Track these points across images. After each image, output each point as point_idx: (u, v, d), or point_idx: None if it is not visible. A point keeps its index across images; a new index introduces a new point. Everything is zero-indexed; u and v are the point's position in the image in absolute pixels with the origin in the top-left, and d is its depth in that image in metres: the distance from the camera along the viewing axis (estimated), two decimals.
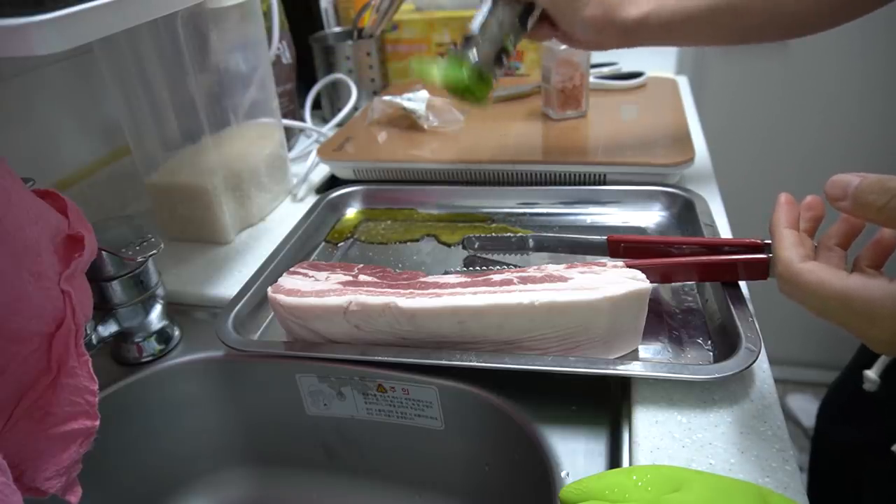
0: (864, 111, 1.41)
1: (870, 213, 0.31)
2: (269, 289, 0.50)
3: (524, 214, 0.70)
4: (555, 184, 0.71)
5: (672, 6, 0.58)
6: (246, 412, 0.56)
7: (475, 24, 0.61)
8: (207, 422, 0.56)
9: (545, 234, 0.61)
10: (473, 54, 0.61)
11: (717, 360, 0.46)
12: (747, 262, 0.48)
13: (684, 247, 0.53)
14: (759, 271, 0.47)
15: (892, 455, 0.58)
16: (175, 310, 0.58)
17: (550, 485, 0.41)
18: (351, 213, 0.74)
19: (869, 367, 0.63)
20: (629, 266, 0.47)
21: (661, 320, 0.51)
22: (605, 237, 0.56)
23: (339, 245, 0.68)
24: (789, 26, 0.59)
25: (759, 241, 0.50)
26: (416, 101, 0.82)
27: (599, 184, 0.70)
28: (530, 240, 0.61)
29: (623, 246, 0.55)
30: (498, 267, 0.61)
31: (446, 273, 0.56)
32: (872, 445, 0.65)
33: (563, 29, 0.62)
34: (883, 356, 0.61)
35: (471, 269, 0.61)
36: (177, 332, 0.56)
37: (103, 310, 0.50)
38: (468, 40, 0.61)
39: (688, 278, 0.51)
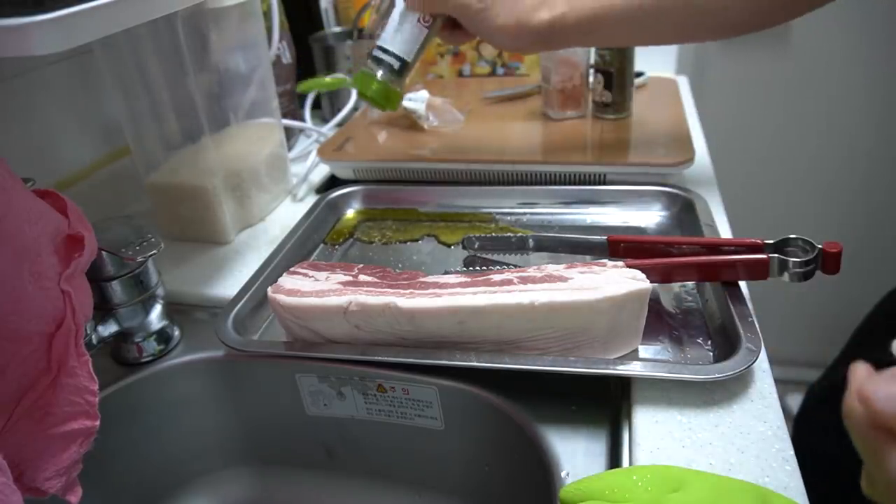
0: (863, 111, 1.41)
1: None
2: (269, 289, 0.50)
3: (524, 214, 0.70)
4: (555, 184, 0.71)
5: (588, 6, 0.57)
6: (246, 412, 0.56)
7: (384, 41, 0.63)
8: (207, 422, 0.56)
9: (545, 234, 0.61)
10: (381, 73, 0.63)
11: (717, 360, 0.46)
12: (747, 262, 0.48)
13: (684, 247, 0.53)
14: (759, 271, 0.48)
15: None
16: (175, 310, 0.58)
17: (550, 485, 0.41)
18: (351, 213, 0.74)
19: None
20: (629, 266, 0.47)
21: (661, 320, 0.51)
22: (605, 237, 0.56)
23: (339, 245, 0.68)
24: (713, 27, 0.58)
25: (759, 241, 0.50)
26: (416, 101, 0.82)
27: (599, 184, 0.70)
28: (530, 240, 0.61)
29: (623, 246, 0.55)
30: (498, 267, 0.61)
31: (446, 273, 0.56)
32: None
33: (480, 38, 0.61)
34: None
35: (471, 269, 0.61)
36: (177, 332, 0.56)
37: (103, 310, 0.50)
38: (375, 59, 0.63)
39: (688, 278, 0.51)
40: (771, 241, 0.50)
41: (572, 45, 0.61)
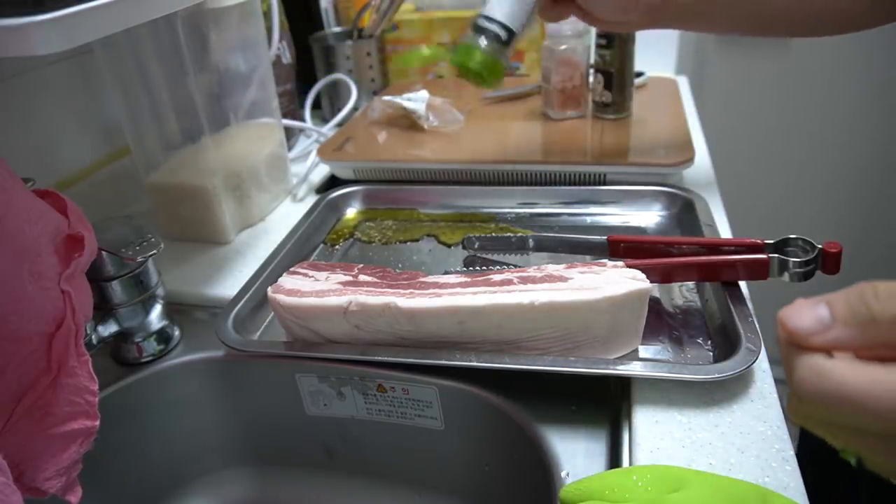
0: (863, 111, 1.42)
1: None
2: (269, 289, 0.50)
3: (524, 214, 0.70)
4: (555, 184, 0.71)
5: None
6: (246, 412, 0.56)
7: (489, 9, 0.59)
8: (207, 422, 0.56)
9: (545, 234, 0.61)
10: (485, 43, 0.59)
11: (717, 360, 0.46)
12: (747, 262, 0.48)
13: (684, 247, 0.53)
14: (759, 271, 0.47)
15: None
16: (175, 310, 0.58)
17: (550, 485, 0.41)
18: (351, 213, 0.74)
19: None
20: (629, 266, 0.47)
21: (661, 320, 0.51)
22: (605, 237, 0.56)
23: (339, 245, 0.68)
24: (815, 24, 0.56)
25: (759, 241, 0.50)
26: (416, 101, 0.82)
27: (599, 184, 0.70)
28: (530, 240, 0.61)
29: (623, 246, 0.55)
30: (498, 267, 0.61)
31: (446, 273, 0.56)
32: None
33: (586, 6, 0.57)
34: None
35: (471, 269, 0.61)
36: (177, 332, 0.56)
37: (103, 310, 0.50)
38: (478, 28, 0.59)
39: (688, 278, 0.51)
40: (771, 241, 0.50)
41: (680, 25, 0.58)
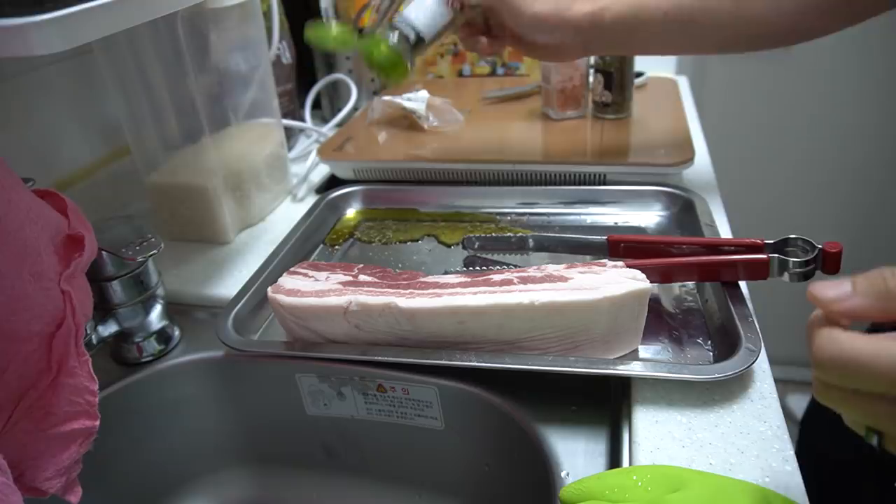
0: (863, 112, 1.41)
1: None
2: (269, 289, 0.50)
3: (524, 214, 0.70)
4: (555, 184, 0.71)
5: (629, 2, 0.55)
6: (246, 412, 0.56)
7: (407, 12, 0.62)
8: (207, 422, 0.56)
9: (545, 234, 0.61)
10: (394, 40, 0.62)
11: (717, 360, 0.46)
12: (747, 262, 0.48)
13: (684, 247, 0.53)
14: (760, 271, 0.47)
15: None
16: (175, 310, 0.58)
17: (550, 485, 0.41)
18: (351, 213, 0.74)
19: None
20: (629, 266, 0.47)
21: (661, 320, 0.51)
22: (605, 237, 0.56)
23: (339, 245, 0.68)
24: (756, 37, 0.56)
25: (759, 242, 0.50)
26: (416, 101, 0.82)
27: (599, 184, 0.70)
28: (530, 240, 0.61)
29: (623, 246, 0.55)
30: (498, 267, 0.61)
31: (446, 273, 0.56)
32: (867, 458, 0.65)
33: (512, 28, 0.58)
34: None
35: (471, 269, 0.61)
36: (177, 332, 0.56)
37: (103, 310, 0.50)
38: (392, 26, 0.62)
39: (688, 278, 0.51)
40: (771, 241, 0.50)
41: (608, 49, 0.58)
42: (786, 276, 0.47)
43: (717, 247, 0.52)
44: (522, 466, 0.46)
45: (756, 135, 1.49)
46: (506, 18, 0.58)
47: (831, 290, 0.28)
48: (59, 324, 0.37)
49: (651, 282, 0.45)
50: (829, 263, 0.47)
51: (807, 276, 0.47)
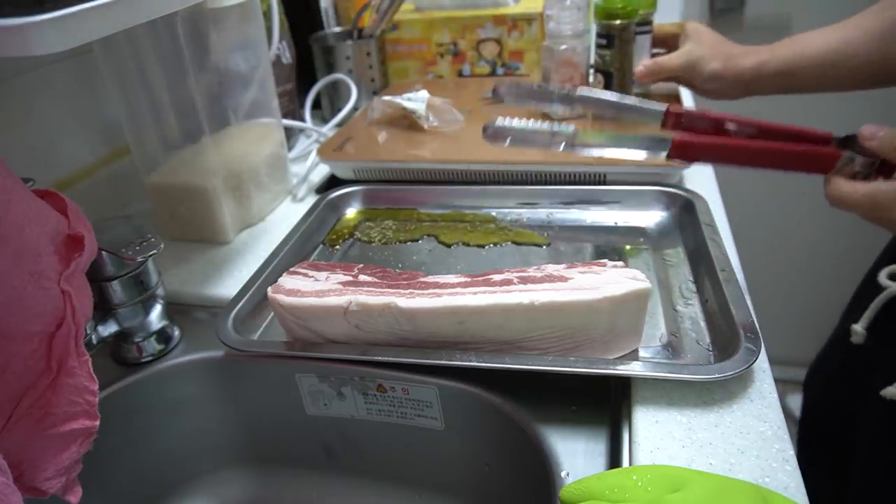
0: (863, 111, 1.41)
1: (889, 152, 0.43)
2: (269, 289, 0.50)
3: (524, 214, 0.70)
4: (555, 184, 0.71)
5: (786, 56, 0.67)
6: (246, 412, 0.56)
7: None
8: (207, 422, 0.56)
9: (594, 97, 0.52)
10: None
11: (717, 360, 0.46)
12: (815, 154, 0.46)
13: (749, 129, 0.48)
14: (824, 165, 0.46)
15: (883, 401, 0.59)
16: (175, 310, 0.58)
17: (550, 485, 0.41)
18: (351, 213, 0.74)
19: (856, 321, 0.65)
20: (677, 141, 0.44)
21: (661, 320, 0.51)
22: (666, 106, 0.48)
23: (339, 245, 0.68)
24: None
25: (828, 134, 0.47)
26: (416, 101, 0.82)
27: (599, 184, 0.70)
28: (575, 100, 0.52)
29: (683, 119, 0.48)
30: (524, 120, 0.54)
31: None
32: (862, 398, 0.67)
33: (692, 84, 0.75)
34: (867, 312, 0.63)
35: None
36: (177, 332, 0.56)
37: (103, 310, 0.50)
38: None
39: (745, 163, 0.47)
40: (840, 136, 0.47)
41: (771, 91, 0.70)
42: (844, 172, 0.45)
43: (783, 132, 0.47)
44: (522, 466, 0.46)
45: None
46: (690, 77, 0.74)
47: (869, 127, 0.43)
48: (59, 324, 0.37)
49: (702, 162, 0.44)
50: (887, 167, 0.45)
51: (866, 177, 0.45)
